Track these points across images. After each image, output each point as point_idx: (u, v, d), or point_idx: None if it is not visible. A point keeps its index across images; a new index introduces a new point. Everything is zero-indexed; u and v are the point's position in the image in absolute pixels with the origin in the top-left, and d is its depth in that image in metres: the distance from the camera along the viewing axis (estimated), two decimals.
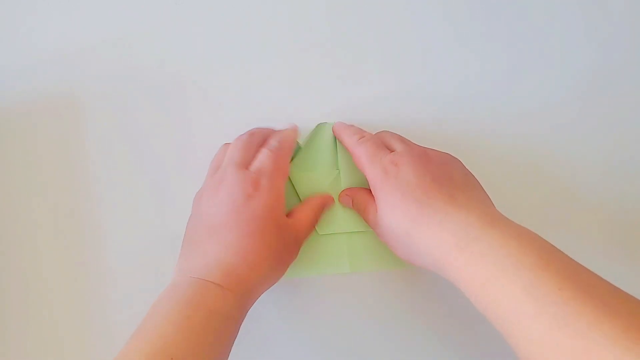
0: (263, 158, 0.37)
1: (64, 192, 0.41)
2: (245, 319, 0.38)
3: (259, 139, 0.39)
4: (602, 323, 0.23)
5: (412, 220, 0.33)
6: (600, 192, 0.43)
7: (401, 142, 0.37)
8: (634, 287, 0.27)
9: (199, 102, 0.42)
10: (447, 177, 0.34)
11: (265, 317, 0.41)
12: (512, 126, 0.43)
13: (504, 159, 0.43)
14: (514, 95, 0.43)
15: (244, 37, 0.43)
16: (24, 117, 0.42)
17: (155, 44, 0.43)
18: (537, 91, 0.43)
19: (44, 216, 0.41)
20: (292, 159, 0.41)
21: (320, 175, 0.41)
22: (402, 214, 0.33)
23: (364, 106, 0.43)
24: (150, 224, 0.41)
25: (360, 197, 0.39)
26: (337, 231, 0.41)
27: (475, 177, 0.37)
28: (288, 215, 0.38)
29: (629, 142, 0.43)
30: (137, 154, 0.42)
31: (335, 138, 0.41)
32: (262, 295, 0.37)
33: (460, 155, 0.38)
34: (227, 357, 0.33)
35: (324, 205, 0.40)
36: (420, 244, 0.33)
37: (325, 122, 0.42)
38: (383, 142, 0.38)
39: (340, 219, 0.41)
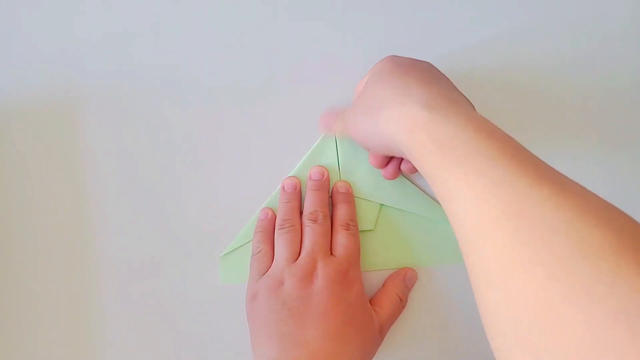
0: (345, 242, 0.38)
1: (63, 192, 0.41)
2: (244, 318, 0.38)
3: (295, 211, 0.40)
4: (542, 186, 0.23)
5: (385, 83, 0.33)
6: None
7: None
8: (614, 190, 0.25)
9: (200, 101, 0.42)
10: (441, 76, 0.35)
11: None
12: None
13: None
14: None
15: (245, 37, 0.43)
16: (24, 117, 0.42)
17: (156, 43, 0.43)
18: None
19: (43, 216, 0.41)
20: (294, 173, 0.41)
21: None
22: (380, 79, 0.33)
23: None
24: (151, 223, 0.41)
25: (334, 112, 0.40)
26: None
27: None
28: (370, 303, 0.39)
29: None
30: (137, 154, 0.42)
31: (336, 150, 0.41)
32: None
33: (442, 65, 0.37)
34: None
35: (402, 299, 0.40)
36: (391, 108, 0.31)
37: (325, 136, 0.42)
38: None
39: None
